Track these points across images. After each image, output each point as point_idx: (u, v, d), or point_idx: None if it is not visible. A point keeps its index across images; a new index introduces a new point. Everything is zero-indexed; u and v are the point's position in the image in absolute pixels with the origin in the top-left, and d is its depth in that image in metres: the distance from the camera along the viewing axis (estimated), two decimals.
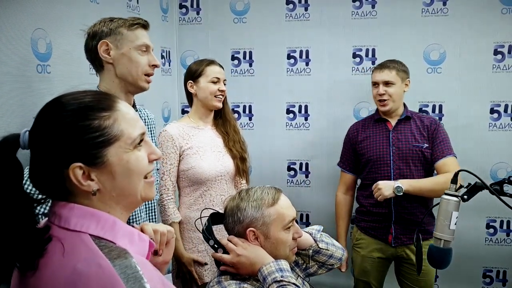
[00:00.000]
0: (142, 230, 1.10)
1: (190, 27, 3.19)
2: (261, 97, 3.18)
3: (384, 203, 2.48)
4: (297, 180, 3.21)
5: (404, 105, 2.62)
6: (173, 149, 2.27)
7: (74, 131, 0.88)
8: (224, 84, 2.38)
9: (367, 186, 2.57)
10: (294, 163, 3.20)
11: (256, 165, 3.19)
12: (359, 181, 2.76)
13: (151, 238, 1.06)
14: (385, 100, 2.53)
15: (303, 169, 3.20)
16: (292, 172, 3.21)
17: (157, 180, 2.01)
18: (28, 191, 0.93)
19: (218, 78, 2.34)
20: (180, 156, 2.30)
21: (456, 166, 2.39)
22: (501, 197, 1.48)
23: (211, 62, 2.37)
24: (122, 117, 0.94)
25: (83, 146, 0.89)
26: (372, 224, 2.58)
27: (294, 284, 1.45)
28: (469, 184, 1.57)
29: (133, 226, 1.04)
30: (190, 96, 2.42)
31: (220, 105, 2.37)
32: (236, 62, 3.16)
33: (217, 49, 3.15)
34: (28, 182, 0.95)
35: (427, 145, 2.51)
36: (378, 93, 2.54)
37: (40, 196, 0.94)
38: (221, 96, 2.36)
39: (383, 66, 2.56)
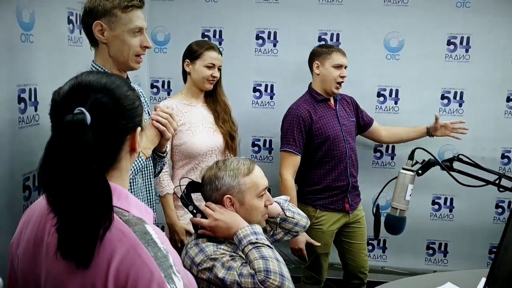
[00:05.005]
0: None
1: (162, 3, 3.20)
2: (229, 75, 3.18)
3: (343, 176, 2.71)
4: (260, 156, 3.34)
5: None
6: None
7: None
8: (219, 69, 2.50)
9: (324, 164, 2.70)
10: (259, 140, 3.33)
11: None
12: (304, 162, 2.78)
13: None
14: (342, 82, 2.73)
15: (267, 145, 3.33)
16: (256, 148, 3.34)
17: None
18: None
19: (214, 64, 2.46)
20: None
21: None
22: (451, 172, 1.69)
23: (211, 47, 2.48)
24: None
25: None
26: (331, 199, 2.72)
27: (267, 245, 1.60)
28: (423, 160, 1.77)
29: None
30: (185, 73, 2.54)
31: (210, 87, 2.50)
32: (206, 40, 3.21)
33: (188, 27, 3.19)
34: None
35: (354, 119, 2.87)
36: (342, 75, 2.69)
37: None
38: (212, 81, 2.48)
39: (341, 50, 2.74)
